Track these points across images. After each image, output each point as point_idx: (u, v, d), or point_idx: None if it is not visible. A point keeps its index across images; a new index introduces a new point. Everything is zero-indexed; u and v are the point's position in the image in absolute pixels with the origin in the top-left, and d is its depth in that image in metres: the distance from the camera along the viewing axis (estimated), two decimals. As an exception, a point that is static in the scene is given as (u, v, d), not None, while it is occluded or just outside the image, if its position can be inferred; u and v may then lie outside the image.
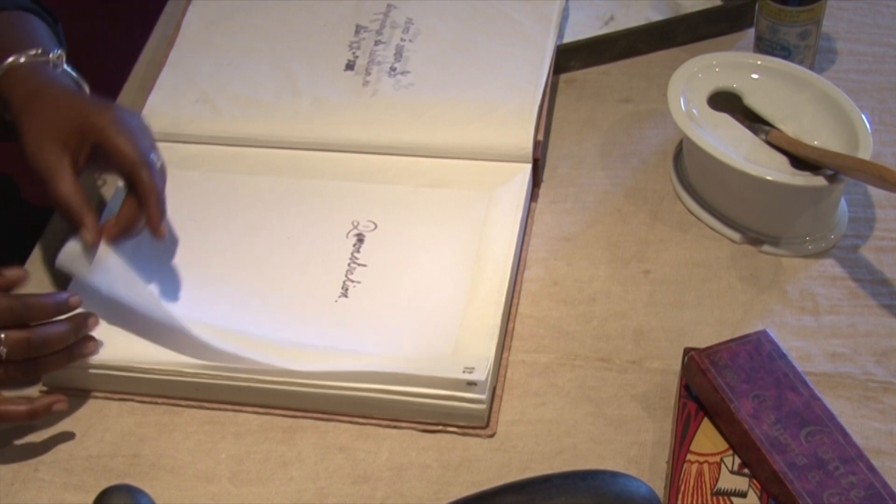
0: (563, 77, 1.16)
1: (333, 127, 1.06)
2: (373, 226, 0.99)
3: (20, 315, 0.85)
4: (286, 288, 0.95)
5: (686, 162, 1.04)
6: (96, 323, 0.90)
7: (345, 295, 0.94)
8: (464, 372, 0.86)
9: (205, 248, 0.99)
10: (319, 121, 1.07)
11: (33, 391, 0.92)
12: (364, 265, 0.96)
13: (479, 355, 0.88)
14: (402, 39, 1.14)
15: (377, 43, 1.14)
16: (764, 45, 1.11)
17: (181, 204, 1.00)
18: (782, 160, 0.98)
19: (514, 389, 0.90)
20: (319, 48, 1.14)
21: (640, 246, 1.00)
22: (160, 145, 0.95)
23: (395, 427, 0.88)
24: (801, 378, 0.84)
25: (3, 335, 0.84)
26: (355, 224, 1.00)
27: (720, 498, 0.80)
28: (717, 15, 1.18)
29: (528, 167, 1.02)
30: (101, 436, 0.89)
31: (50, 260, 1.01)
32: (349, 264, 0.97)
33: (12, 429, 0.89)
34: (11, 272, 0.88)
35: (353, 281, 0.95)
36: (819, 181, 0.94)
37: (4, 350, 0.84)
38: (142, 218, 0.90)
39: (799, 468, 0.79)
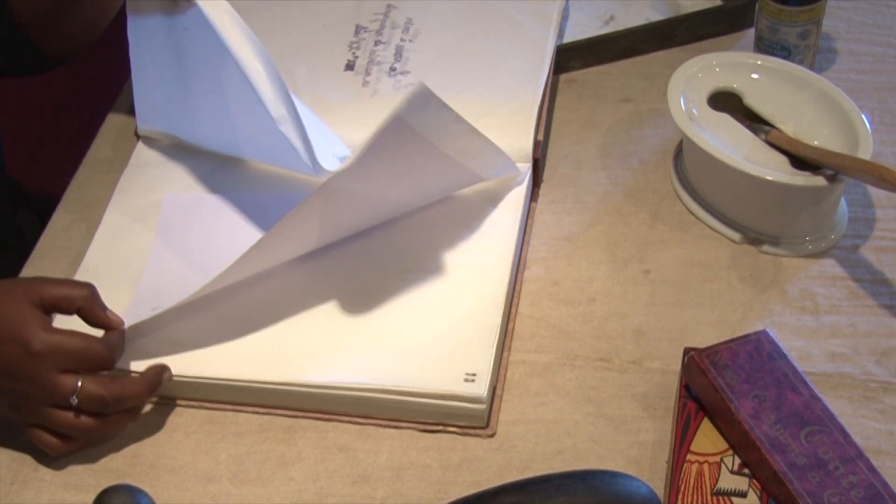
0: (563, 77, 1.16)
1: (333, 127, 1.06)
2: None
3: (104, 363, 0.85)
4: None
5: (686, 162, 1.04)
6: (170, 377, 0.89)
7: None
8: (465, 381, 0.87)
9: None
10: (319, 121, 1.07)
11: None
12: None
13: (479, 356, 0.88)
14: (402, 39, 1.14)
15: (377, 43, 1.14)
16: (764, 45, 1.11)
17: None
18: (782, 160, 0.98)
19: (514, 389, 0.90)
20: (319, 48, 1.14)
21: (640, 246, 1.00)
22: (158, 147, 0.93)
23: (395, 427, 0.88)
24: (801, 378, 0.84)
25: (79, 383, 0.83)
26: (355, 224, 1.00)
27: (720, 498, 0.80)
28: (717, 15, 1.18)
29: (528, 167, 1.02)
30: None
31: (52, 254, 1.01)
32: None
33: (11, 429, 0.89)
34: (115, 317, 0.88)
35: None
36: (819, 181, 0.94)
37: (76, 400, 0.83)
38: None
39: (799, 468, 0.79)
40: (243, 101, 0.91)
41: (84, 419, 0.84)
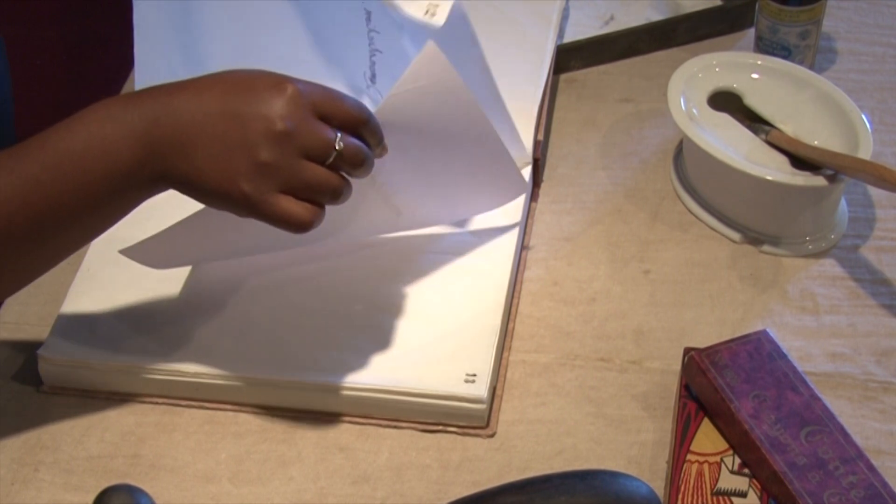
0: (563, 77, 1.16)
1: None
2: (373, 226, 0.99)
3: (371, 132, 0.80)
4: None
5: (686, 162, 1.04)
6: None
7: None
8: (465, 381, 0.87)
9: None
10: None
11: (33, 390, 0.92)
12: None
13: (479, 357, 0.88)
14: (403, 39, 1.14)
15: (377, 43, 1.14)
16: (764, 45, 1.11)
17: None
18: (782, 160, 0.98)
19: (514, 389, 0.90)
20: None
21: (640, 246, 1.00)
22: None
23: (395, 427, 0.88)
24: (801, 378, 0.84)
25: (339, 134, 0.77)
26: (355, 224, 1.00)
27: (720, 498, 0.80)
28: (717, 15, 1.18)
29: (528, 167, 1.02)
30: (101, 436, 0.89)
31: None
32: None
33: (11, 429, 0.89)
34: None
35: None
36: (819, 181, 0.95)
37: (340, 144, 0.77)
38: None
39: (799, 468, 0.79)
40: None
41: (336, 178, 0.78)
